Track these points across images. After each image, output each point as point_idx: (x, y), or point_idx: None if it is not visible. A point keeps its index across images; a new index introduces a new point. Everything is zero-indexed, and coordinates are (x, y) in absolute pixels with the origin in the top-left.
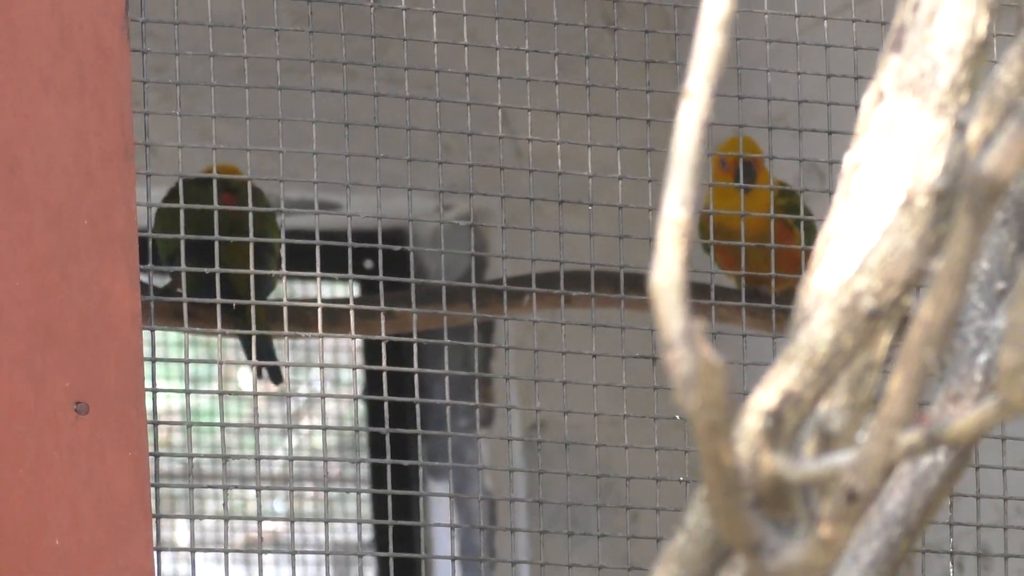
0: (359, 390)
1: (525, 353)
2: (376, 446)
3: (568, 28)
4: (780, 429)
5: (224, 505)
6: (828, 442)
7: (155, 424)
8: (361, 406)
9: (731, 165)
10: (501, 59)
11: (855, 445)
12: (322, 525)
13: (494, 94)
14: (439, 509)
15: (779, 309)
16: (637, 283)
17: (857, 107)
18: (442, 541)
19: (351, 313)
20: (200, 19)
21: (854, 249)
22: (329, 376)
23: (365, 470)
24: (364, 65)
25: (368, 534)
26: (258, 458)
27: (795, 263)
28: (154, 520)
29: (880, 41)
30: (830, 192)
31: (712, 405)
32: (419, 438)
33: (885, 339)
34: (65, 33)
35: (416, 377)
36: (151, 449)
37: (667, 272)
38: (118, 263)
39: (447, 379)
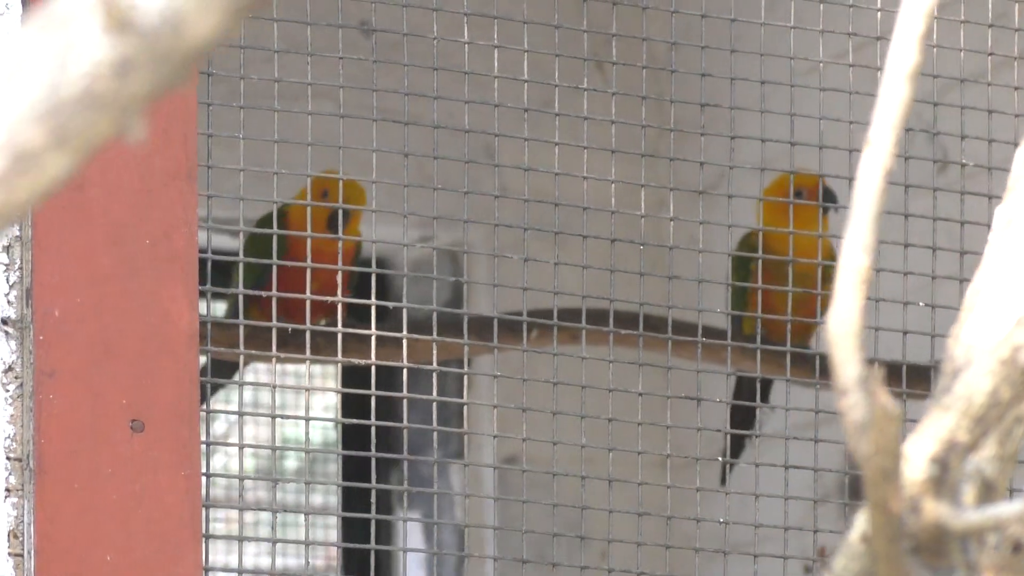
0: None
1: (500, 387)
2: (347, 472)
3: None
4: (945, 477)
5: (272, 528)
6: (988, 492)
7: (208, 444)
8: (332, 432)
9: (809, 193)
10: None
11: (1010, 495)
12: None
13: (482, 124)
14: (410, 538)
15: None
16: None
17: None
18: (412, 570)
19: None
20: (267, 44)
21: (1007, 303)
22: (297, 403)
23: (333, 497)
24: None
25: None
26: (308, 483)
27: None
28: (204, 541)
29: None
30: (877, 270)
31: (884, 451)
32: (404, 464)
33: None
34: None
35: (404, 404)
36: (204, 470)
37: (845, 318)
38: (177, 283)
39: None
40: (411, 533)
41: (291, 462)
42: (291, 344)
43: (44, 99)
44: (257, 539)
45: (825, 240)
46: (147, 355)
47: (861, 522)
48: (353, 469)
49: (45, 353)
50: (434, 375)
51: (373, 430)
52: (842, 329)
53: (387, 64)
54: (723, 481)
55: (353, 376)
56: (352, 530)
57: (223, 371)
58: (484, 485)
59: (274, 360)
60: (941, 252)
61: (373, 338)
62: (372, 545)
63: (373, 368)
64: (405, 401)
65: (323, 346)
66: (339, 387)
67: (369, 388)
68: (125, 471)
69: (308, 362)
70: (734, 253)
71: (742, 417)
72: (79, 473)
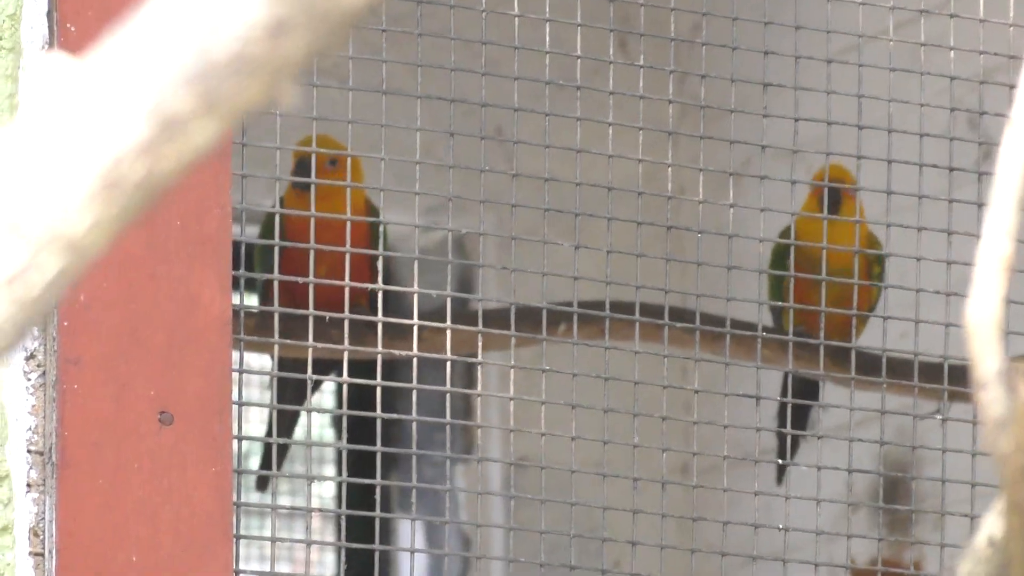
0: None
1: (506, 388)
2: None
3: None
4: None
5: (307, 528)
6: None
7: (239, 440)
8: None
9: (819, 192)
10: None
11: None
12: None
13: (496, 100)
14: (408, 541)
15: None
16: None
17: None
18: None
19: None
20: None
21: None
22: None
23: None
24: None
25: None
26: (344, 481)
27: (867, 303)
28: (235, 541)
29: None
30: (917, 259)
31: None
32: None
33: None
34: None
35: (414, 396)
36: (234, 466)
37: (985, 306)
38: (209, 268)
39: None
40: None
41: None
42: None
43: (194, 63)
44: (291, 540)
45: (864, 232)
46: (177, 344)
47: (990, 524)
48: (352, 470)
49: (69, 340)
50: (448, 366)
51: (379, 422)
52: (981, 320)
53: (397, 35)
54: (779, 481)
55: (351, 369)
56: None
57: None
58: (491, 487)
59: (310, 350)
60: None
61: (380, 326)
62: (376, 546)
63: (379, 359)
64: (415, 394)
65: (336, 337)
66: (344, 378)
67: (373, 380)
68: (153, 466)
69: (309, 351)
70: (777, 240)
71: (794, 417)
72: (104, 468)
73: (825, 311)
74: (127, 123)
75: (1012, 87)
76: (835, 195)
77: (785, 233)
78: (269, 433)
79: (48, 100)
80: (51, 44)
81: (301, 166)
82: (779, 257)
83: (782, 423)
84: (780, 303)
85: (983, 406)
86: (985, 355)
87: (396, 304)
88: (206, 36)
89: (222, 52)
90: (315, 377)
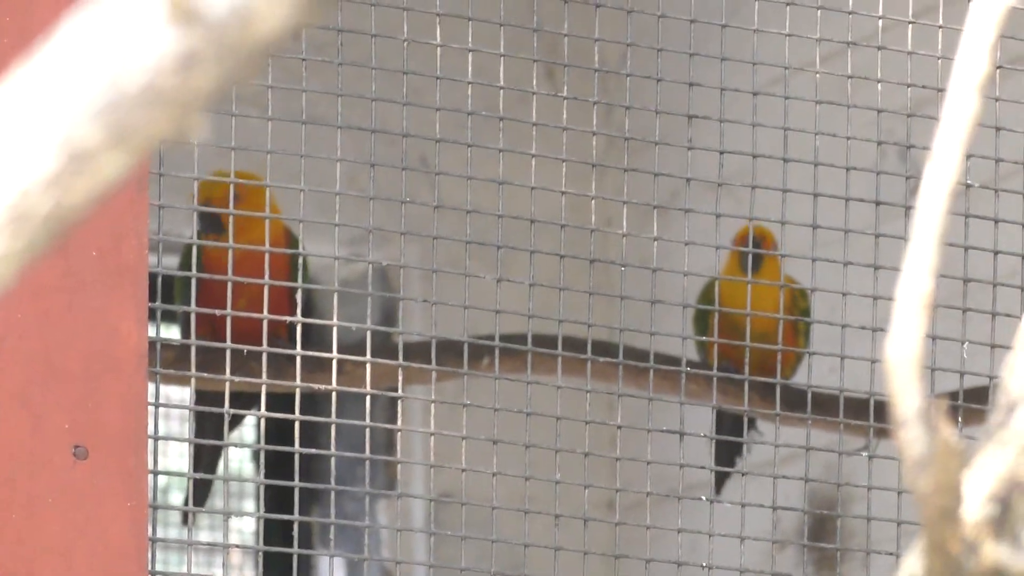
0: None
1: (428, 422)
2: (265, 508)
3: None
4: (1005, 517)
5: (223, 565)
6: None
7: (155, 474)
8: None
9: (740, 254)
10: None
11: None
12: None
13: (419, 130)
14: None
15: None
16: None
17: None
18: None
19: (263, 359)
20: None
21: None
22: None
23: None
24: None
25: None
26: (259, 517)
27: (790, 365)
28: None
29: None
30: (843, 293)
31: (946, 489)
32: (332, 496)
33: None
34: None
35: (332, 432)
36: (151, 500)
37: (904, 345)
38: (126, 298)
39: (367, 433)
40: (334, 573)
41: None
42: (215, 366)
43: (103, 95)
44: None
45: (788, 292)
46: (92, 376)
47: (912, 564)
48: (272, 504)
49: None
50: (367, 400)
51: (297, 457)
52: (901, 357)
53: (318, 64)
54: (717, 491)
55: (271, 402)
56: (271, 570)
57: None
58: (412, 523)
59: (227, 383)
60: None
61: (298, 359)
62: None
63: (297, 392)
64: (333, 429)
65: (255, 370)
66: (262, 412)
67: (291, 413)
68: (67, 500)
69: (227, 384)
70: (696, 306)
71: (726, 452)
72: (17, 501)
73: (750, 345)
74: (35, 155)
75: (938, 120)
76: (757, 258)
77: (708, 291)
78: (195, 467)
79: None
80: None
81: (206, 205)
82: (701, 317)
83: (717, 459)
84: (705, 337)
85: (904, 445)
86: (906, 393)
87: (317, 336)
88: (116, 67)
89: (132, 84)
90: (233, 411)
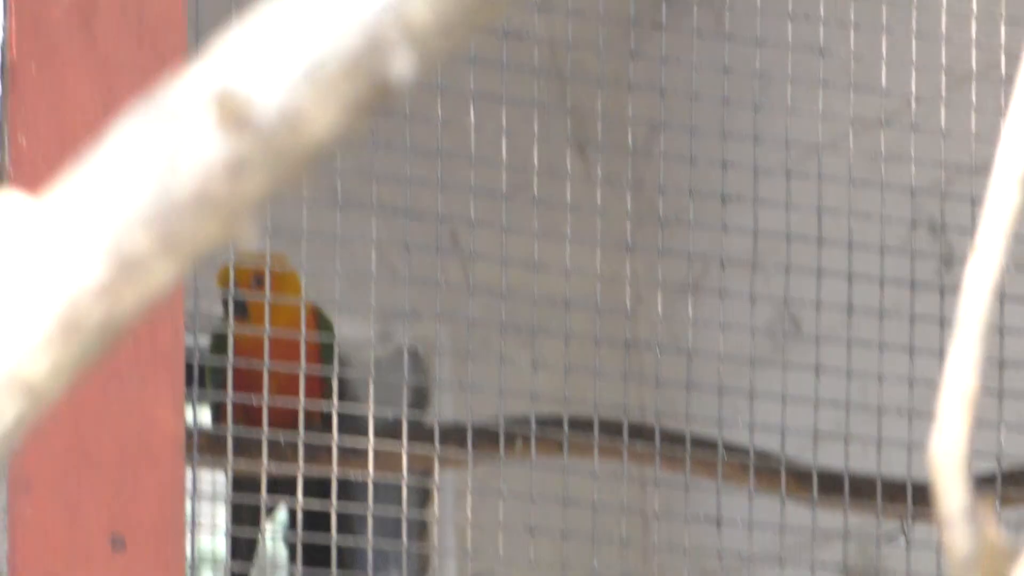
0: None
1: (462, 506)
2: None
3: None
4: None
5: None
6: None
7: (193, 566)
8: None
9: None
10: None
11: None
12: None
13: (452, 210)
14: None
15: None
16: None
17: None
18: None
19: (299, 448)
20: None
21: None
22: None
23: None
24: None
25: None
26: None
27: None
28: None
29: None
30: (879, 376)
31: None
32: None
33: None
34: None
35: (369, 520)
36: None
37: (950, 443)
38: (162, 385)
39: (403, 522)
40: None
41: None
42: (250, 452)
43: (153, 202)
44: None
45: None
46: (129, 465)
47: None
48: None
49: (19, 461)
50: (403, 488)
51: (334, 546)
52: (946, 454)
53: (352, 144)
54: None
55: (305, 485)
56: None
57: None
58: None
59: (264, 472)
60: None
61: (335, 446)
62: None
63: (334, 480)
64: (370, 516)
65: (289, 454)
66: (298, 499)
67: (322, 496)
68: None
69: (264, 471)
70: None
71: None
72: None
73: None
74: (85, 264)
75: (973, 199)
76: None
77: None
78: (232, 553)
79: (2, 240)
80: (1, 158)
81: (234, 289)
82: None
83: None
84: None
85: (949, 543)
86: (951, 491)
87: (350, 416)
88: (165, 174)
89: (182, 191)
90: (269, 502)
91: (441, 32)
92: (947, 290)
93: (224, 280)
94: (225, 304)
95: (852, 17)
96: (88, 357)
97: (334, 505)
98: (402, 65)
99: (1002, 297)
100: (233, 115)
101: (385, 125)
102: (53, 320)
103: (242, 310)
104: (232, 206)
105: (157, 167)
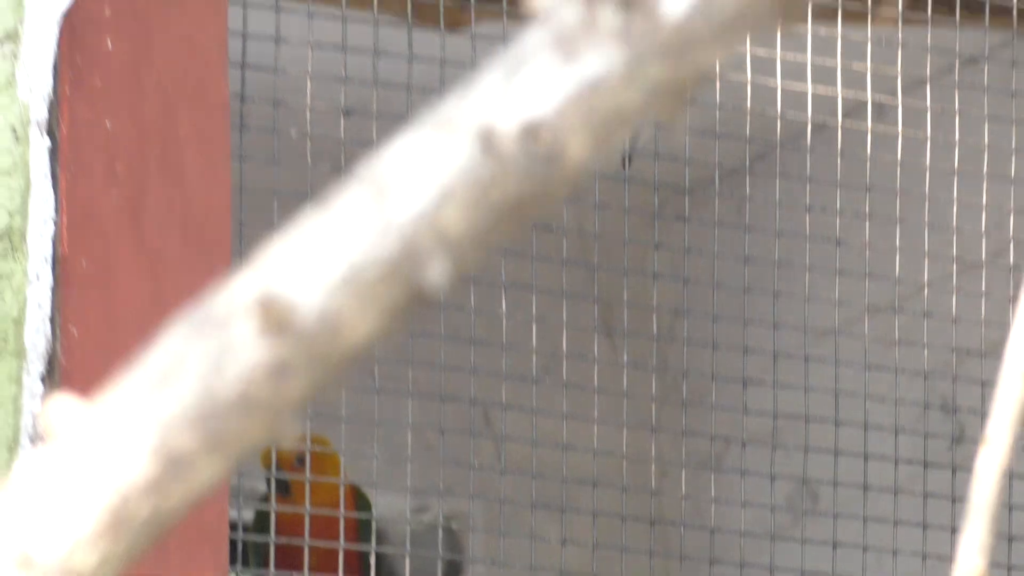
0: None
1: None
2: None
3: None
4: None
5: None
6: None
7: None
8: None
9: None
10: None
11: None
12: None
13: (479, 391)
14: None
15: None
16: None
17: None
18: None
19: None
20: None
21: None
22: None
23: None
24: None
25: None
26: None
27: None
28: None
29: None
30: (893, 552)
31: None
32: None
33: None
34: None
35: None
36: None
37: None
38: (206, 561)
39: None
40: None
41: None
42: None
43: (198, 403)
44: None
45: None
46: None
47: None
48: None
49: None
50: None
51: None
52: None
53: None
54: None
55: None
56: None
57: None
58: None
59: None
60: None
61: None
62: None
63: None
64: None
65: None
66: None
67: None
68: None
69: None
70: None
71: None
72: None
73: None
74: (133, 461)
75: (983, 381)
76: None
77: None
78: None
79: (55, 439)
80: (53, 348)
81: (276, 467)
82: None
83: None
84: None
85: None
86: None
87: None
88: (210, 377)
89: (226, 393)
90: None
91: (473, 240)
92: (958, 468)
93: (267, 460)
94: (268, 482)
95: (867, 209)
96: (136, 549)
97: None
98: (436, 272)
99: (1011, 476)
100: (275, 321)
101: (421, 314)
102: (103, 515)
103: (284, 488)
104: (275, 407)
105: (203, 370)
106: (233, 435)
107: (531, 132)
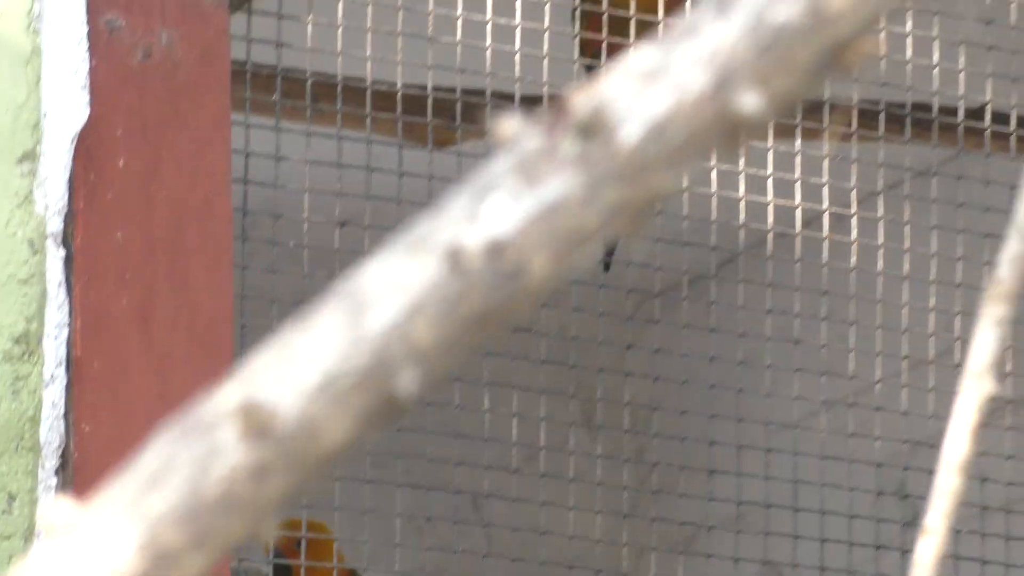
0: None
1: None
2: None
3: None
4: None
5: None
6: None
7: None
8: None
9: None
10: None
11: None
12: None
13: (470, 479)
14: None
15: None
16: None
17: None
18: None
19: None
20: None
21: None
22: None
23: None
24: None
25: None
26: None
27: None
28: None
29: None
30: None
31: None
32: None
33: None
34: None
35: None
36: None
37: None
38: None
39: None
40: None
41: None
42: None
43: (185, 502)
44: None
45: None
46: None
47: None
48: None
49: None
50: None
51: None
52: None
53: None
54: None
55: None
56: None
57: None
58: None
59: None
60: None
61: None
62: None
63: None
64: None
65: None
66: None
67: None
68: None
69: None
70: None
71: None
72: None
73: None
74: (124, 557)
75: (932, 471)
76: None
77: None
78: None
79: (54, 537)
80: (67, 443)
81: (276, 552)
82: None
83: None
84: None
85: None
86: None
87: None
88: (197, 478)
89: (211, 492)
90: None
91: (443, 351)
92: (908, 550)
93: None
94: (270, 567)
95: (824, 311)
96: None
97: None
98: (408, 381)
99: (956, 557)
100: (257, 425)
101: (407, 412)
102: None
103: (284, 571)
104: (256, 506)
105: (190, 471)
106: (217, 532)
107: (496, 251)
